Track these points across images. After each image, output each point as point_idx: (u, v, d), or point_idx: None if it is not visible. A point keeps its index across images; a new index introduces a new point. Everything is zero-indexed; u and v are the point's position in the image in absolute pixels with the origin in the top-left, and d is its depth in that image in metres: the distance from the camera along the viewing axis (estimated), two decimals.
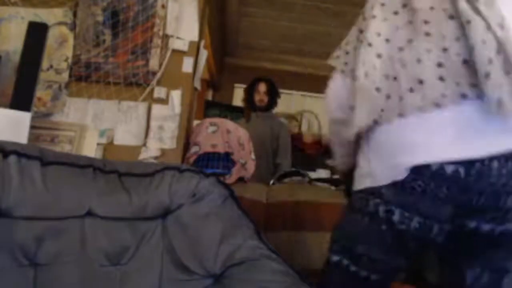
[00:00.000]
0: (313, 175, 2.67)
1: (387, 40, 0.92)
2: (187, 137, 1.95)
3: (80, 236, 0.96)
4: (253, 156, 2.06)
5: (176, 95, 1.91)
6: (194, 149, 1.88)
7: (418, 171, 0.83)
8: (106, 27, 1.94)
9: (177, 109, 1.90)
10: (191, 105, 2.02)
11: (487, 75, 0.78)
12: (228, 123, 2.00)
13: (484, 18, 0.80)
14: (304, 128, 4.52)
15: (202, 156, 1.85)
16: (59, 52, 1.87)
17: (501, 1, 0.83)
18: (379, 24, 0.94)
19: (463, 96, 0.81)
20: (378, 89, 0.90)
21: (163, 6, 1.96)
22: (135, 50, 1.92)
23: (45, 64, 1.79)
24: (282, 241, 1.57)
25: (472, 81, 0.81)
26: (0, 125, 1.35)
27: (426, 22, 0.87)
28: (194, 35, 1.98)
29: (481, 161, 0.80)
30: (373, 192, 0.89)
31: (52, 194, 0.96)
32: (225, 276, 0.98)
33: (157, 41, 1.93)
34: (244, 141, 2.00)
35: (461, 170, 0.80)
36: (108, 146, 1.85)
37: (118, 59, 1.92)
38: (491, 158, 0.80)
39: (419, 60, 0.86)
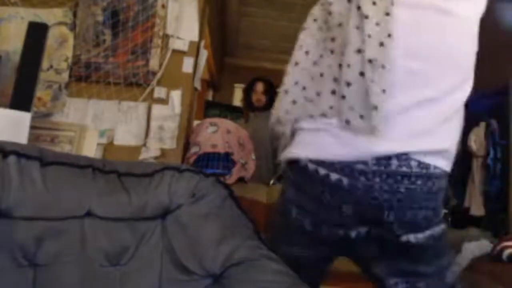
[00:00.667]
0: None
1: (306, 53, 1.00)
2: (187, 137, 1.95)
3: (80, 236, 0.96)
4: (253, 156, 2.06)
5: (176, 95, 1.91)
6: (194, 149, 1.88)
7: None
8: (106, 27, 1.94)
9: (177, 109, 1.90)
10: (191, 105, 2.02)
11: (343, 97, 0.85)
12: (228, 123, 2.00)
13: (361, 37, 0.84)
14: None
15: (202, 156, 1.85)
16: (59, 52, 1.87)
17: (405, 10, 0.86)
18: (304, 37, 1.03)
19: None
20: (286, 92, 1.00)
21: (163, 6, 1.96)
22: (135, 50, 1.92)
23: (45, 64, 1.79)
24: None
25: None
26: (0, 125, 1.35)
27: (332, 39, 0.94)
28: (194, 35, 1.98)
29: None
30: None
31: (51, 194, 0.96)
32: (224, 276, 0.98)
33: (157, 41, 1.93)
34: (244, 141, 2.00)
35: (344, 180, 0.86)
36: (108, 146, 1.85)
37: (118, 59, 1.92)
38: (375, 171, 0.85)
39: (321, 74, 0.94)
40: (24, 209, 0.92)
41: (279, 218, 1.06)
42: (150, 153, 1.85)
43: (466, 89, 0.91)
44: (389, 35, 0.83)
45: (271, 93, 3.00)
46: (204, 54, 2.10)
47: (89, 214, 0.99)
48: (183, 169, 1.10)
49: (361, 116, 0.83)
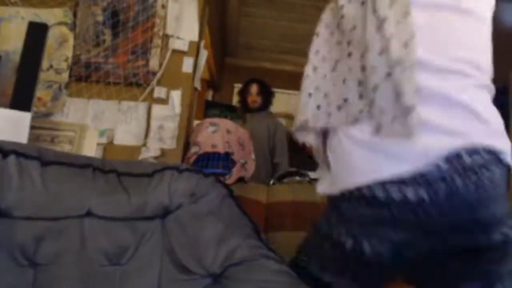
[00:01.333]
0: (313, 175, 2.67)
1: (323, 59, 0.97)
2: (187, 137, 1.95)
3: (80, 236, 0.96)
4: (253, 156, 2.06)
5: (176, 95, 1.91)
6: (194, 149, 1.88)
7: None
8: (106, 27, 1.94)
9: (177, 109, 1.90)
10: (191, 105, 2.02)
11: (373, 102, 0.81)
12: (228, 123, 2.00)
13: (383, 38, 0.81)
14: None
15: (202, 156, 1.85)
16: (59, 52, 1.87)
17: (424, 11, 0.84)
18: (319, 42, 1.00)
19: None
20: (310, 95, 0.96)
21: (163, 6, 1.96)
22: (135, 50, 1.92)
23: (45, 64, 1.79)
24: (282, 241, 1.57)
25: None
26: (0, 125, 1.35)
27: (349, 43, 0.91)
28: (194, 35, 1.98)
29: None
30: None
31: (51, 194, 0.96)
32: (224, 276, 0.98)
33: (157, 41, 1.93)
34: (244, 141, 2.00)
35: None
36: (108, 146, 1.85)
37: (118, 59, 1.92)
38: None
39: (344, 80, 0.90)
40: (24, 209, 0.92)
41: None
42: (150, 153, 1.85)
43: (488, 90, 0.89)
44: (412, 36, 0.80)
45: (266, 93, 3.01)
46: (204, 54, 2.10)
47: (89, 213, 0.99)
48: (183, 169, 1.10)
49: (394, 119, 0.78)
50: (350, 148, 0.86)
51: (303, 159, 3.55)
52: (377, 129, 0.80)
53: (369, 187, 0.81)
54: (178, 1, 1.97)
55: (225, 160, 1.87)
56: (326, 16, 1.02)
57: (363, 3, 0.90)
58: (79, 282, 0.93)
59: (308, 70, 0.98)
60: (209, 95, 4.81)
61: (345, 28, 0.92)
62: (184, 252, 1.00)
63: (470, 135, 0.80)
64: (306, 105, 0.96)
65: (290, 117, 4.45)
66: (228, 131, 1.93)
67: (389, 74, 0.79)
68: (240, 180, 1.92)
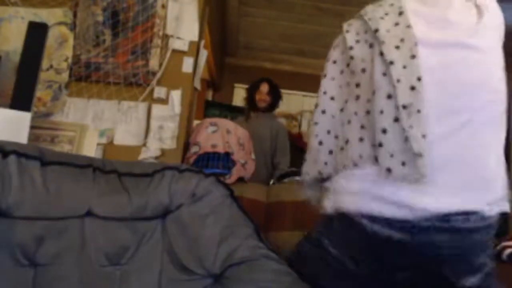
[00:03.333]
0: None
1: (332, 99, 0.97)
2: (187, 137, 1.95)
3: (80, 236, 0.96)
4: (253, 156, 2.07)
5: (176, 95, 1.91)
6: (194, 149, 1.88)
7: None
8: (106, 27, 1.94)
9: (177, 109, 1.90)
10: (191, 105, 2.02)
11: (380, 145, 0.81)
12: (228, 123, 2.00)
13: (390, 82, 0.82)
14: (304, 128, 4.52)
15: (202, 156, 1.85)
16: (59, 52, 1.87)
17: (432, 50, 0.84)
18: (327, 82, 0.99)
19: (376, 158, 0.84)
20: (321, 143, 0.96)
21: (163, 6, 1.96)
22: (135, 50, 1.92)
23: (45, 64, 1.79)
24: (282, 241, 1.57)
25: None
26: (0, 125, 1.35)
27: (357, 85, 0.91)
28: (194, 35, 1.98)
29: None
30: None
31: (52, 194, 0.96)
32: (224, 276, 0.98)
33: (157, 41, 1.93)
34: (244, 141, 2.00)
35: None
36: (108, 146, 1.85)
37: (118, 59, 1.92)
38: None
39: (349, 121, 0.91)
40: (24, 209, 0.92)
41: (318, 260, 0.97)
42: (150, 153, 1.85)
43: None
44: (419, 78, 0.80)
45: (275, 95, 3.01)
46: (204, 54, 2.10)
47: (89, 214, 0.99)
48: (183, 169, 1.10)
49: (403, 163, 0.79)
50: (352, 183, 0.88)
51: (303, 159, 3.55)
52: (387, 172, 0.80)
53: (362, 215, 0.83)
54: (178, 1, 1.97)
55: (225, 160, 1.87)
56: (335, 55, 1.01)
57: (371, 46, 0.90)
58: (79, 282, 0.93)
59: (316, 115, 0.98)
60: (209, 95, 4.81)
61: (355, 69, 0.92)
62: (184, 252, 1.00)
63: (467, 200, 0.81)
64: (318, 154, 0.96)
65: (290, 117, 4.45)
66: (228, 131, 1.93)
67: (396, 119, 0.80)
68: (240, 180, 1.92)
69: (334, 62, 1.00)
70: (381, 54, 0.85)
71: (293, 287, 0.96)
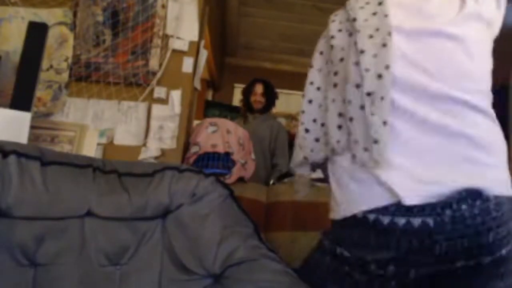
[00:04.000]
0: (313, 175, 2.67)
1: (318, 89, 0.99)
2: (187, 137, 1.95)
3: (80, 236, 0.96)
4: (253, 156, 2.07)
5: (176, 95, 1.91)
6: (194, 149, 1.88)
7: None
8: (106, 27, 1.94)
9: (177, 109, 1.90)
10: (191, 105, 2.02)
11: (350, 133, 0.85)
12: (228, 123, 2.00)
13: (359, 71, 0.84)
14: None
15: (202, 156, 1.85)
16: (59, 52, 1.87)
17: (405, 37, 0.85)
18: (313, 73, 1.02)
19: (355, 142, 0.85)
20: (307, 131, 0.98)
21: (163, 6, 1.96)
22: (135, 50, 1.92)
23: (45, 64, 1.79)
24: (282, 241, 1.57)
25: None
26: (0, 125, 1.35)
27: (335, 73, 0.93)
28: (194, 35, 1.98)
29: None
30: None
31: (52, 194, 0.96)
32: (224, 276, 0.98)
33: (157, 41, 1.93)
34: (244, 141, 2.00)
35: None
36: (108, 146, 1.85)
37: (118, 59, 1.92)
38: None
39: (327, 109, 0.93)
40: (24, 209, 0.92)
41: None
42: (150, 153, 1.85)
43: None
44: (387, 66, 0.82)
45: (270, 94, 2.99)
46: (204, 54, 2.10)
47: (89, 213, 0.99)
48: (183, 169, 1.11)
49: (365, 149, 0.81)
50: (344, 177, 0.89)
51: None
52: (352, 159, 0.84)
53: (371, 212, 0.82)
54: (178, 1, 1.97)
55: (225, 160, 1.87)
56: (321, 45, 1.03)
57: (350, 35, 0.92)
58: (79, 282, 0.93)
59: (304, 104, 1.00)
60: (209, 95, 4.82)
61: (333, 58, 0.95)
62: (184, 252, 1.00)
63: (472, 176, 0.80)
64: (304, 141, 0.99)
65: (289, 117, 4.44)
66: (228, 131, 1.93)
67: (362, 107, 0.82)
68: (240, 180, 1.92)
69: (321, 53, 1.02)
70: (355, 43, 0.87)
71: (293, 287, 0.96)
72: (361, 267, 0.86)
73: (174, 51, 1.94)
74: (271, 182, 2.37)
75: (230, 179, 1.84)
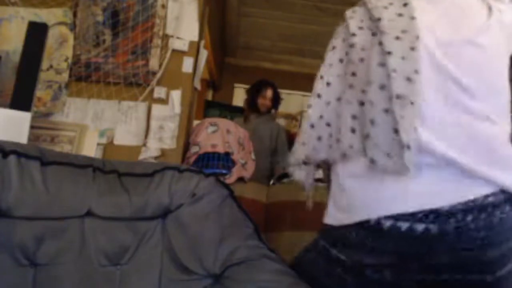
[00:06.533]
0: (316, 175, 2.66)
1: (328, 84, 0.94)
2: (187, 137, 1.95)
3: (80, 236, 0.96)
4: (253, 156, 2.07)
5: (176, 95, 1.91)
6: (194, 149, 1.88)
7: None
8: (106, 27, 1.94)
9: (177, 109, 1.90)
10: (191, 105, 2.02)
11: (367, 136, 0.80)
12: (228, 123, 2.00)
13: (385, 73, 0.80)
14: None
15: (202, 156, 1.85)
16: (59, 52, 1.87)
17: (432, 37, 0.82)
18: (324, 68, 0.96)
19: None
20: (312, 126, 0.93)
21: (163, 6, 1.96)
22: (135, 50, 1.92)
23: (45, 64, 1.79)
24: (282, 241, 1.57)
25: None
26: (0, 125, 1.35)
27: (353, 74, 0.88)
28: (194, 35, 1.98)
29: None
30: None
31: (52, 194, 0.96)
32: (224, 276, 0.98)
33: (157, 41, 1.93)
34: (244, 141, 2.00)
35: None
36: (108, 146, 1.85)
37: (118, 59, 1.92)
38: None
39: (340, 112, 0.89)
40: (24, 209, 0.92)
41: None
42: (150, 153, 1.85)
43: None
44: (416, 71, 0.78)
45: (277, 99, 3.03)
46: (204, 54, 2.10)
47: (89, 214, 0.99)
48: (183, 169, 1.11)
49: (388, 155, 0.77)
50: (350, 183, 0.86)
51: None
52: (371, 164, 0.79)
53: (374, 220, 0.80)
54: (178, 1, 1.97)
55: (225, 160, 1.87)
56: (334, 42, 0.98)
57: (373, 34, 0.87)
58: (79, 282, 0.93)
59: (311, 99, 0.95)
60: (209, 95, 4.82)
61: (353, 58, 0.89)
62: (184, 252, 1.00)
63: (489, 176, 0.77)
64: (307, 138, 0.94)
65: (289, 117, 4.44)
66: (228, 131, 1.93)
67: (387, 110, 0.78)
68: (240, 180, 1.92)
69: (334, 48, 0.97)
70: (380, 44, 0.83)
71: (293, 287, 0.96)
72: (356, 271, 0.84)
73: (174, 51, 1.94)
74: (271, 182, 2.37)
75: (230, 179, 1.84)
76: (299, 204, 1.67)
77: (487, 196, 0.77)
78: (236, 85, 4.93)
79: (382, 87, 0.79)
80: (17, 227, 0.91)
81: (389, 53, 0.80)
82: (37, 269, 0.92)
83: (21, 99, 1.41)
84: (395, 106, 0.77)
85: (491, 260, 0.78)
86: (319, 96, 0.94)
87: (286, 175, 2.35)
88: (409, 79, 0.78)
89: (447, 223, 0.76)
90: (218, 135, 1.90)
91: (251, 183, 1.98)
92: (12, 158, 0.94)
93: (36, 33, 1.48)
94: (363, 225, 0.82)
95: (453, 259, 0.78)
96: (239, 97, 4.66)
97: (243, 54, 4.87)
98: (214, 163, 1.84)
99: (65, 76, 1.86)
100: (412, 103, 0.76)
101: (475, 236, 0.76)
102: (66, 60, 1.87)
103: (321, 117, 0.93)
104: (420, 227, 0.77)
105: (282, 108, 3.62)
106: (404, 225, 0.78)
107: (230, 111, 4.26)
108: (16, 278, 0.90)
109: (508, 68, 0.89)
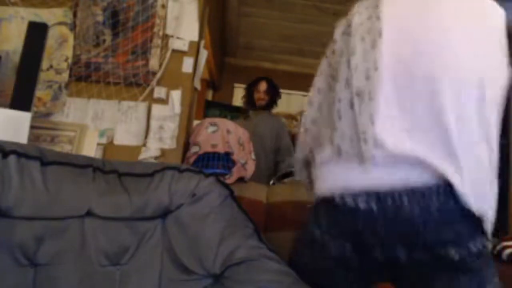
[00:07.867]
0: None
1: (319, 90, 1.02)
2: (187, 137, 1.95)
3: (80, 236, 0.96)
4: (253, 156, 2.06)
5: (176, 95, 1.91)
6: (194, 149, 1.88)
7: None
8: (106, 27, 1.94)
9: (177, 109, 1.90)
10: (191, 105, 2.02)
11: (335, 128, 0.88)
12: (228, 123, 2.00)
13: (349, 71, 0.87)
14: None
15: (202, 156, 1.85)
16: (59, 52, 1.87)
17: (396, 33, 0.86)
18: (317, 77, 1.05)
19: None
20: (306, 131, 1.03)
21: (163, 6, 1.96)
22: (135, 50, 1.92)
23: (45, 64, 1.79)
24: (282, 241, 1.57)
25: None
26: (0, 125, 1.35)
27: (332, 77, 0.96)
28: (194, 35, 1.98)
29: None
30: None
31: (52, 194, 0.96)
32: (224, 276, 0.98)
33: (157, 41, 1.93)
34: (244, 141, 2.00)
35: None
36: (108, 146, 1.85)
37: (118, 59, 1.92)
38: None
39: (323, 111, 0.97)
40: (24, 209, 0.92)
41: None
42: (150, 153, 1.85)
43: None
44: (376, 68, 0.84)
45: (273, 93, 3.01)
46: (204, 54, 2.10)
47: (89, 214, 0.99)
48: (183, 169, 1.11)
49: (351, 146, 0.84)
50: (321, 168, 0.93)
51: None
52: (338, 153, 0.86)
53: (335, 194, 0.87)
54: (178, 1, 1.97)
55: (225, 160, 1.87)
56: (328, 49, 1.05)
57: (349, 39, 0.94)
58: (79, 282, 0.93)
59: (306, 106, 1.05)
60: (209, 95, 4.82)
61: (332, 62, 0.97)
62: (184, 252, 1.00)
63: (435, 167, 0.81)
64: (303, 141, 1.04)
65: (289, 117, 4.44)
66: (228, 131, 1.93)
67: (351, 106, 0.85)
68: (240, 180, 1.92)
69: (326, 56, 1.04)
70: (348, 46, 0.90)
71: (293, 287, 0.96)
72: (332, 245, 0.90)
73: (174, 51, 1.94)
74: (271, 182, 2.37)
75: (230, 179, 1.84)
76: (299, 204, 1.67)
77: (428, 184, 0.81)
78: (236, 85, 4.93)
79: (347, 85, 0.87)
80: (17, 227, 0.91)
81: (353, 53, 0.88)
82: (37, 269, 0.92)
83: (21, 99, 1.41)
84: (355, 102, 0.84)
85: (431, 242, 0.82)
86: (311, 103, 1.03)
87: (288, 174, 2.35)
88: (367, 77, 0.84)
89: (386, 202, 0.81)
90: (218, 135, 1.90)
91: (251, 183, 1.98)
92: (12, 158, 0.94)
93: (36, 33, 1.48)
94: (328, 201, 0.88)
95: (392, 236, 0.83)
96: (239, 97, 4.65)
97: (243, 54, 4.87)
98: (214, 163, 1.84)
99: (65, 76, 1.86)
100: (370, 98, 0.83)
101: (411, 216, 0.81)
102: (66, 60, 1.87)
103: (314, 121, 1.01)
104: (363, 205, 0.83)
105: (282, 108, 3.62)
106: (350, 201, 0.84)
107: (230, 111, 4.26)
108: (16, 278, 0.90)
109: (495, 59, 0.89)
